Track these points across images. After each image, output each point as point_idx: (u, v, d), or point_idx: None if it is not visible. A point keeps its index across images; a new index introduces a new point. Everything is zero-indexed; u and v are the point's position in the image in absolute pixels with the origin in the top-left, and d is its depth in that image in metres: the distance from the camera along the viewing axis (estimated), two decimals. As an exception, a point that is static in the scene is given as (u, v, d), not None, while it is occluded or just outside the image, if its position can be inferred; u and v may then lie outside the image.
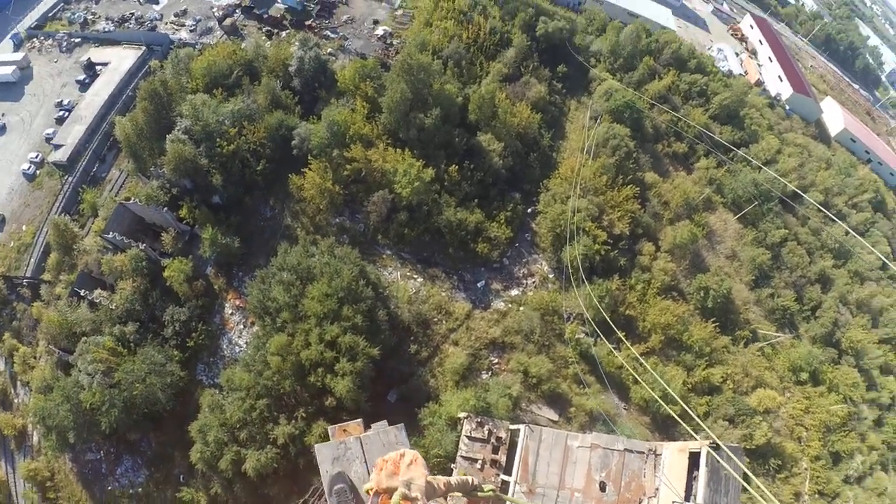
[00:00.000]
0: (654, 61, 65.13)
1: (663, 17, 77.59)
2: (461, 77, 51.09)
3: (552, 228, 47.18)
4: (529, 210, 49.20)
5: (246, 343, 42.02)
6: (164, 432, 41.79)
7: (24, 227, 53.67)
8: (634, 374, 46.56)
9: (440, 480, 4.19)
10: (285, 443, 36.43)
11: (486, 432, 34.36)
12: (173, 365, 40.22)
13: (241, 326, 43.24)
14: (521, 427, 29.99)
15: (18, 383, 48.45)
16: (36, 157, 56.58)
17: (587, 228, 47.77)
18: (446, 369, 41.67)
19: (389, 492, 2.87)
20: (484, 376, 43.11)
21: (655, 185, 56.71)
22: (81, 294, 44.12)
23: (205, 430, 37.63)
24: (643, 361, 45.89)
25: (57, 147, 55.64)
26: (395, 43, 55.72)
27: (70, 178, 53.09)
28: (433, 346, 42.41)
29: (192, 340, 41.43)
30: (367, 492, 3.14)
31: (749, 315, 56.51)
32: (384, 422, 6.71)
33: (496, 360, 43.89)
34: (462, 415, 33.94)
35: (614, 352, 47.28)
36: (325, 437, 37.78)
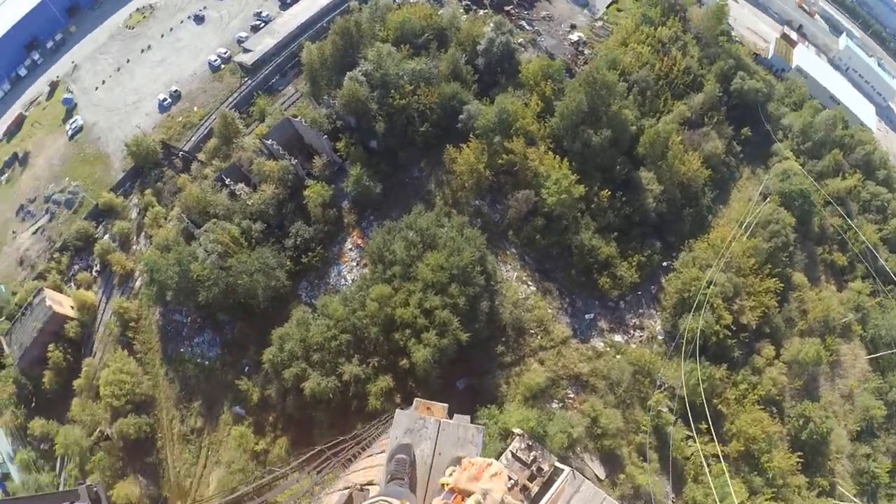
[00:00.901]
0: (842, 157, 58.59)
1: (865, 113, 69.63)
2: (641, 106, 48.83)
3: (680, 290, 43.97)
4: (665, 263, 46.21)
5: (352, 280, 43.44)
6: (250, 325, 44.41)
7: (195, 108, 59.29)
8: (698, 470, 43.28)
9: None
10: (349, 380, 37.43)
11: (531, 457, 32.79)
12: (282, 272, 42.54)
13: (354, 264, 44.69)
14: (566, 469, 28.28)
15: (143, 234, 53.84)
16: (224, 53, 62.07)
17: (715, 305, 44.04)
18: (522, 382, 40.40)
19: (464, 494, 2.79)
20: (554, 405, 41.33)
21: (800, 289, 51.08)
22: (226, 182, 47.80)
23: (285, 338, 39.59)
24: (721, 461, 42.11)
25: (246, 51, 60.62)
26: (586, 52, 54.48)
27: (249, 81, 57.60)
28: (519, 355, 41.25)
29: (307, 258, 43.48)
30: (443, 485, 3.07)
31: (837, 466, 49.68)
32: (468, 417, 6.08)
33: (571, 395, 41.86)
34: (517, 431, 32.56)
35: (690, 440, 44.04)
36: (386, 392, 38.53)
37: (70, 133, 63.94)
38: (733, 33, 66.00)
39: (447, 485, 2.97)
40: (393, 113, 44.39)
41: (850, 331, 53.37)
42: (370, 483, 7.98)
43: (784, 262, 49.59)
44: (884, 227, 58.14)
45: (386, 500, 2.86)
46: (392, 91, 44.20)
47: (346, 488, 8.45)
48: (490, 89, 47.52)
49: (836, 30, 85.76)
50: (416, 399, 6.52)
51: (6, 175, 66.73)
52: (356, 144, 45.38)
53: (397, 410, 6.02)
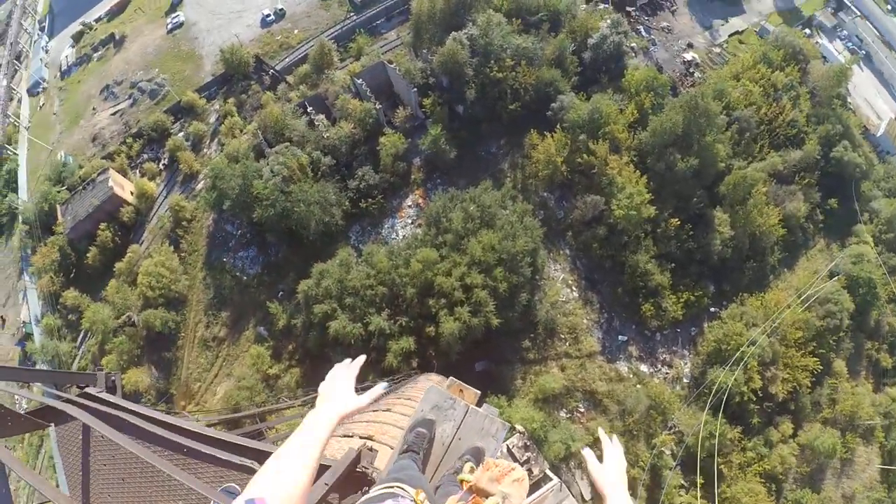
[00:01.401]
0: (919, 259, 55.14)
1: (961, 223, 64.79)
2: (736, 146, 46.81)
3: (720, 340, 42.76)
4: (712, 309, 44.88)
5: (403, 237, 43.92)
6: (294, 252, 45.51)
7: (295, 31, 60.00)
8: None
9: None
10: (373, 332, 37.85)
11: (525, 457, 33.17)
12: (338, 210, 43.27)
13: (409, 221, 45.09)
14: (555, 479, 28.29)
15: (216, 140, 55.33)
16: (336, -16, 62.23)
17: (750, 366, 42.68)
18: (538, 382, 40.29)
19: (483, 494, 2.71)
20: (562, 414, 41.15)
21: (837, 377, 48.98)
22: (308, 110, 48.45)
23: (324, 274, 40.21)
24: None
25: (358, -14, 60.68)
26: (696, 75, 52.36)
27: (354, 17, 57.78)
28: (543, 355, 41.09)
29: (366, 204, 44.06)
30: (462, 482, 3.00)
31: (814, 562, 48.08)
32: (496, 410, 5.91)
33: (582, 410, 41.57)
34: (519, 427, 32.75)
35: (683, 490, 43.60)
36: (405, 353, 38.86)
37: (169, 27, 65.79)
38: (849, 100, 62.48)
39: (466, 482, 2.87)
40: (487, 83, 43.84)
41: (872, 435, 51.07)
42: (370, 437, 8.06)
43: (830, 345, 47.55)
44: (942, 342, 54.98)
45: (401, 487, 2.79)
46: (492, 62, 43.57)
47: (345, 436, 8.53)
48: (589, 85, 46.31)
49: (958, 125, 79.48)
50: (450, 378, 6.42)
51: (100, 53, 69.31)
52: (443, 105, 45.14)
53: (430, 385, 5.95)
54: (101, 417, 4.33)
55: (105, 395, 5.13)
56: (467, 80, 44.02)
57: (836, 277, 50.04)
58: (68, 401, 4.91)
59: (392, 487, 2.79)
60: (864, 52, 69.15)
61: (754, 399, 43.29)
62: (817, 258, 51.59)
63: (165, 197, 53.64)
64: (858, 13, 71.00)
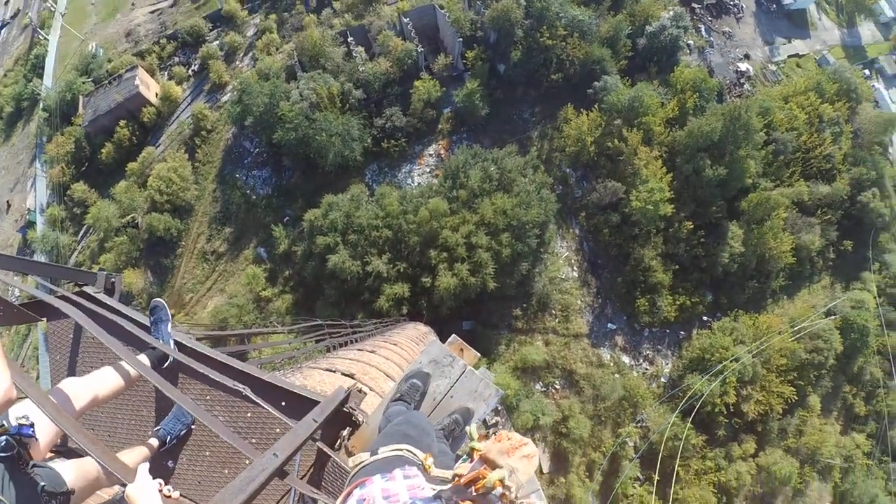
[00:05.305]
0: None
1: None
2: (767, 165, 46.03)
3: (704, 350, 43.23)
4: (704, 318, 45.13)
5: (418, 184, 43.66)
6: (307, 180, 45.41)
7: (351, -42, 58.04)
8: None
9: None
10: (370, 272, 37.94)
11: (494, 421, 34.87)
12: (359, 146, 42.74)
13: (428, 170, 44.67)
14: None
15: (250, 55, 54.31)
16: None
17: (728, 380, 43.13)
18: (521, 351, 40.85)
19: (491, 465, 2.56)
20: (537, 387, 41.90)
21: (809, 411, 49.21)
22: (348, 40, 47.46)
23: (333, 207, 40.12)
24: None
25: (422, -75, 58.33)
26: (745, 87, 51.06)
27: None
28: (531, 327, 41.54)
29: (388, 144, 43.56)
30: (473, 450, 2.80)
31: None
32: (492, 375, 5.90)
33: (557, 387, 42.32)
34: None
35: (637, 483, 44.77)
36: (397, 299, 39.15)
37: (223, -71, 63.45)
38: (890, 150, 61.38)
39: (477, 451, 2.71)
40: (534, 48, 42.69)
41: (829, 474, 52.05)
42: (351, 375, 8.14)
43: (810, 379, 48.02)
44: (921, 403, 55.57)
45: (411, 452, 2.77)
46: (544, 27, 42.31)
47: (327, 370, 8.57)
48: (636, 72, 45.25)
49: None
50: (453, 335, 6.33)
51: (147, -54, 66.83)
52: (485, 61, 44.11)
53: (433, 339, 5.81)
54: (96, 320, 4.11)
55: (102, 297, 4.95)
56: (515, 40, 42.79)
57: (832, 317, 50.21)
58: (64, 297, 4.64)
59: (402, 451, 2.77)
60: (918, 105, 67.50)
61: (725, 412, 43.92)
62: (819, 294, 51.65)
63: (189, 104, 52.82)
64: (922, 66, 69.00)
